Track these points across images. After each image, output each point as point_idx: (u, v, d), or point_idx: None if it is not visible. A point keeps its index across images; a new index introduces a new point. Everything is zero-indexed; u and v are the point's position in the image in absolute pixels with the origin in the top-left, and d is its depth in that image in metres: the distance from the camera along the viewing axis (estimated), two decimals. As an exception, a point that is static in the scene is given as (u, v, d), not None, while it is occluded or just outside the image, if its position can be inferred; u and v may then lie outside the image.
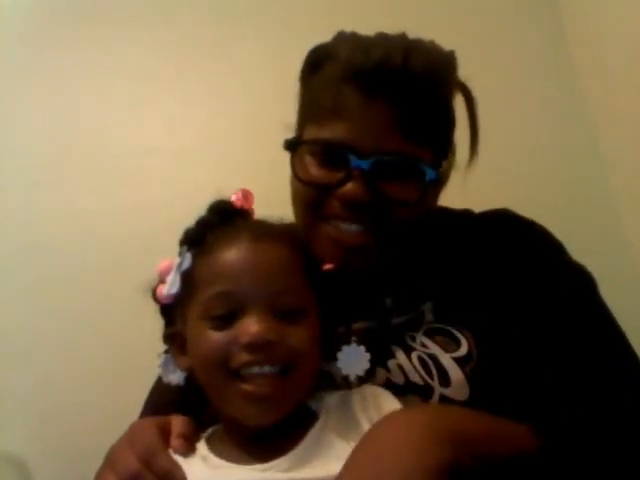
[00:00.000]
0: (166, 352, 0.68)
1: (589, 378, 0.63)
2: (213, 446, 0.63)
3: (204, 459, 0.61)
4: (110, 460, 0.63)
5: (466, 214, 0.83)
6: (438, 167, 0.75)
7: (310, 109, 0.77)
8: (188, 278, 0.64)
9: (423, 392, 0.68)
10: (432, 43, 0.76)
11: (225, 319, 0.60)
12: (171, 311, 0.67)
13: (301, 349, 0.60)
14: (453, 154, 0.80)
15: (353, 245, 0.71)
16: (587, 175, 1.36)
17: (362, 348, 0.66)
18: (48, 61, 1.55)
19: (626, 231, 1.22)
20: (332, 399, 0.65)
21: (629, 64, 1.16)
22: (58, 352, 1.39)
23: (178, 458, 0.61)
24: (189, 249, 0.65)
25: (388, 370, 0.70)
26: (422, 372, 0.68)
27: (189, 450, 0.62)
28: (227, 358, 0.58)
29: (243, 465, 0.58)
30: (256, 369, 0.58)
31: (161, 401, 0.78)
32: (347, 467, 0.52)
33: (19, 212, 1.48)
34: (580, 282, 0.72)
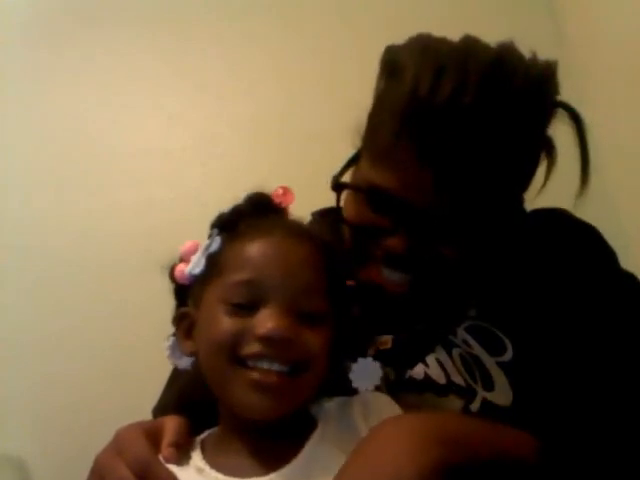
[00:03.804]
0: (174, 335, 0.67)
1: (620, 394, 0.60)
2: (209, 455, 0.61)
3: (199, 471, 0.59)
4: (98, 472, 0.60)
5: (517, 211, 0.75)
6: (500, 217, 0.68)
7: (370, 133, 0.71)
8: (214, 261, 0.63)
9: (465, 394, 0.66)
10: (531, 62, 0.67)
11: (244, 308, 0.59)
12: (185, 293, 0.66)
13: (314, 354, 0.59)
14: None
15: (393, 291, 0.69)
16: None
17: (377, 364, 0.64)
18: (48, 61, 1.55)
19: (626, 231, 1.22)
20: (331, 405, 0.64)
21: (628, 63, 1.16)
22: (58, 352, 1.39)
23: (171, 467, 0.59)
24: (219, 233, 0.65)
25: (426, 365, 0.68)
26: (464, 373, 0.67)
27: (182, 459, 0.60)
28: (236, 344, 0.57)
29: (241, 478, 0.57)
30: (265, 363, 0.57)
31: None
32: (341, 471, 0.51)
33: (19, 212, 1.48)
34: (629, 295, 0.69)
